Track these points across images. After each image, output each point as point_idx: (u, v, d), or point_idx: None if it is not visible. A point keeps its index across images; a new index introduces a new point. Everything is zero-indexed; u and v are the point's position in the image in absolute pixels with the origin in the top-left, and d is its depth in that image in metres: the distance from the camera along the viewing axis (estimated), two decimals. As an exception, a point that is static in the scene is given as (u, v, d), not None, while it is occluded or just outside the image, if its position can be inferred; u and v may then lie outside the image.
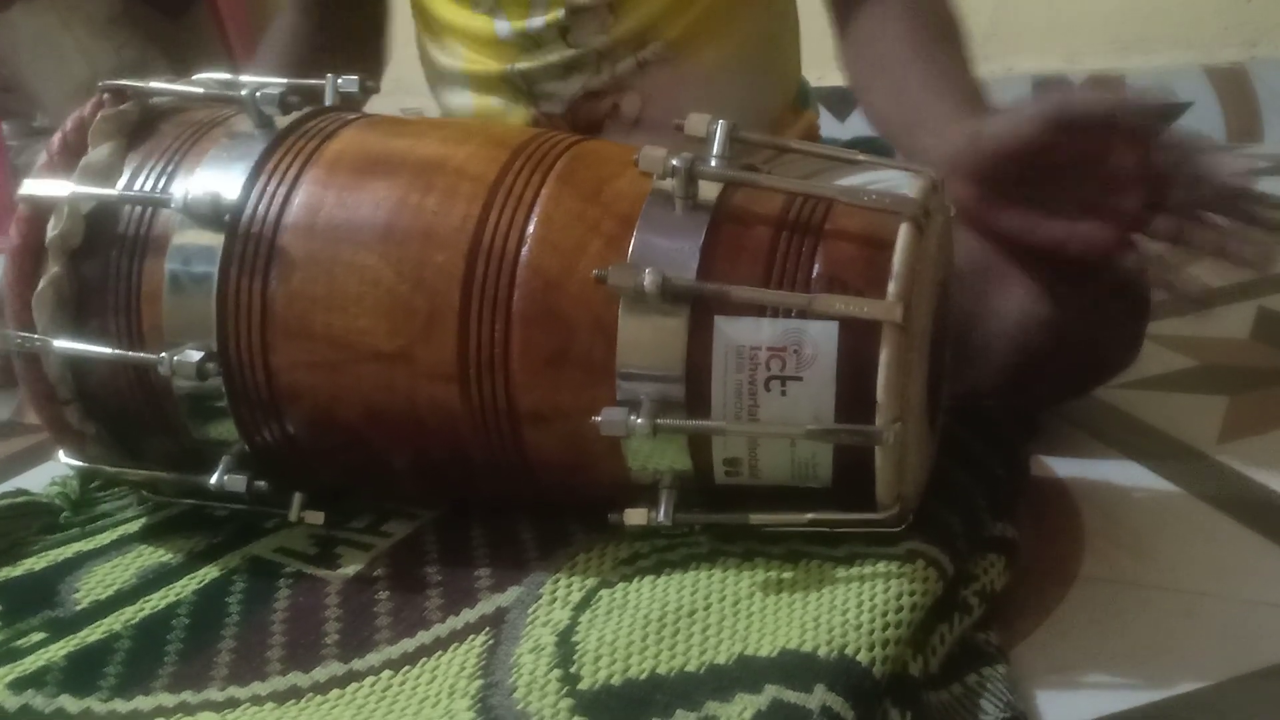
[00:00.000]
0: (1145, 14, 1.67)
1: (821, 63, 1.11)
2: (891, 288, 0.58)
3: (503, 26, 0.95)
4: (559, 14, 0.93)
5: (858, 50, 0.88)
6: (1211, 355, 0.96)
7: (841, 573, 0.61)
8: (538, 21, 0.93)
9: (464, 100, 1.01)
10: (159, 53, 2.26)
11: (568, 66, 0.95)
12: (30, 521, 0.77)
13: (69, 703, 0.60)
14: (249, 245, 0.65)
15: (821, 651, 0.55)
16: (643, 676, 0.56)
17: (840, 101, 1.71)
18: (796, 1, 1.05)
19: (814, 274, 0.61)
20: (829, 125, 1.17)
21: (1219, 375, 0.93)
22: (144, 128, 0.70)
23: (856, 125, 1.69)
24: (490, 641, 0.60)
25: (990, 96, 0.79)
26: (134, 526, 0.76)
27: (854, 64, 0.90)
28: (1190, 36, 1.66)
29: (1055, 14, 1.71)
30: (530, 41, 0.95)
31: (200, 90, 0.72)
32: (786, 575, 0.62)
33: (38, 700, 0.60)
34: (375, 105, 0.81)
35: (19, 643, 0.64)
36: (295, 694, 0.59)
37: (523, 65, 0.95)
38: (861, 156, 0.69)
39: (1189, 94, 1.65)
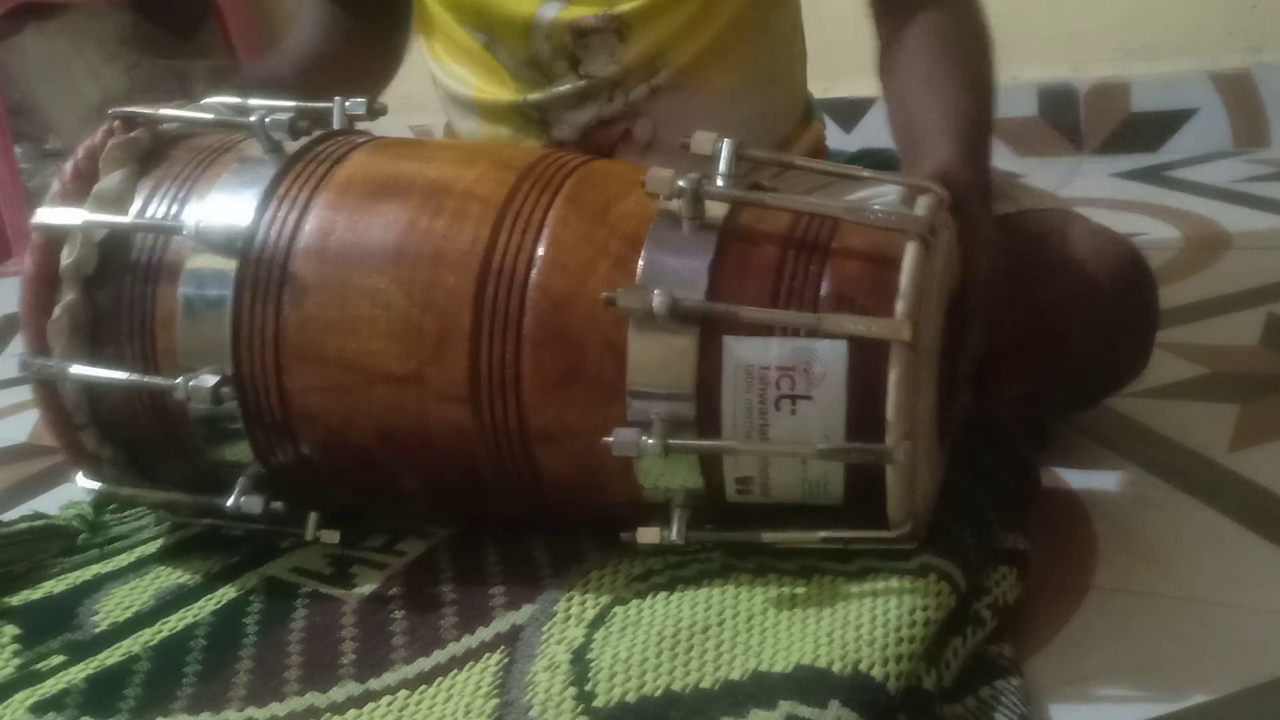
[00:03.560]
0: (1150, 21, 1.67)
1: (828, 75, 1.11)
2: (900, 306, 0.58)
3: (507, 59, 0.96)
4: (566, 38, 0.93)
5: (887, 71, 0.89)
6: (1221, 363, 0.96)
7: (854, 588, 0.62)
8: (542, 47, 0.93)
9: (473, 128, 1.01)
10: (169, 74, 2.28)
11: (580, 96, 0.95)
12: (48, 544, 0.77)
13: (89, 726, 0.60)
14: (262, 270, 0.65)
15: (836, 667, 0.55)
16: (658, 693, 0.56)
17: (847, 113, 1.71)
18: (802, 18, 1.06)
19: (822, 293, 0.61)
20: (836, 137, 1.17)
21: (1229, 383, 0.93)
22: (155, 154, 0.71)
23: (863, 137, 1.70)
24: (505, 660, 0.61)
25: (983, 125, 0.80)
26: (151, 548, 0.76)
27: (883, 83, 0.91)
28: (1195, 43, 1.65)
29: (1060, 22, 1.71)
30: (540, 72, 0.95)
31: (210, 116, 0.72)
32: (799, 591, 0.62)
33: (58, 723, 0.60)
34: (384, 123, 0.82)
35: (39, 665, 0.65)
36: (313, 714, 0.59)
37: (535, 96, 0.95)
38: (866, 172, 0.70)
39: (1195, 101, 1.65)
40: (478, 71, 0.98)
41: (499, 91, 0.96)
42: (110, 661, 0.65)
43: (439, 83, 1.04)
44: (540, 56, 0.94)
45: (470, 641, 0.63)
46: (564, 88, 0.94)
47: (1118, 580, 0.68)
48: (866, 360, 0.59)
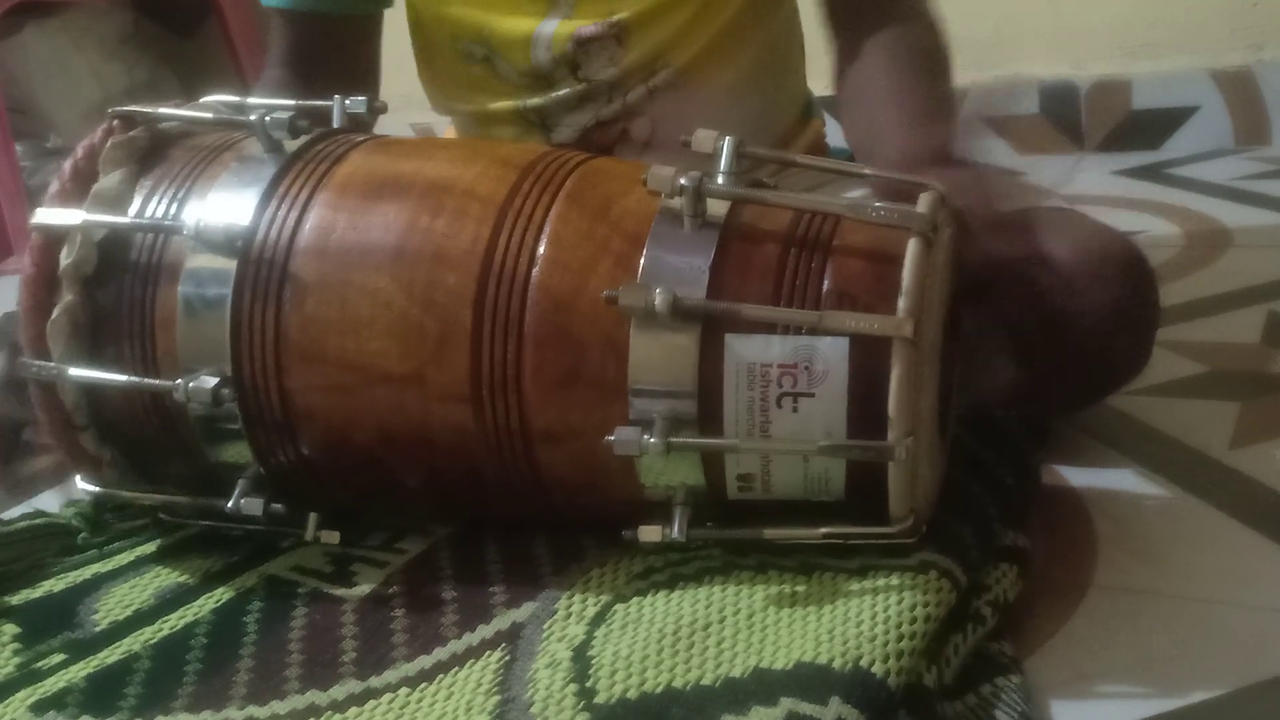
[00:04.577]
0: (1151, 19, 1.67)
1: (829, 74, 1.11)
2: (901, 303, 0.58)
3: (507, 70, 0.96)
4: (566, 48, 0.93)
5: (844, 82, 0.90)
6: (1222, 360, 0.96)
7: (855, 585, 0.62)
8: (543, 57, 0.94)
9: (475, 134, 1.02)
10: (170, 73, 2.28)
11: (579, 99, 0.95)
12: (49, 543, 0.77)
13: (90, 724, 0.60)
14: (262, 270, 0.65)
15: (836, 663, 0.56)
16: (658, 690, 0.56)
17: (848, 112, 1.71)
18: (800, 16, 1.06)
19: (824, 290, 0.61)
20: (837, 135, 1.17)
21: (1230, 381, 0.93)
22: (154, 153, 0.71)
23: (863, 134, 1.70)
24: (506, 657, 0.61)
25: (942, 114, 0.80)
26: (151, 547, 0.76)
27: (840, 96, 0.92)
28: (1196, 41, 1.65)
29: (1061, 20, 1.71)
30: (541, 80, 0.96)
31: (209, 115, 0.72)
32: (800, 588, 0.62)
33: (59, 722, 0.60)
34: (384, 121, 0.82)
35: (39, 664, 0.65)
36: (314, 712, 0.59)
37: (535, 101, 0.96)
38: (867, 170, 0.70)
39: (1196, 99, 1.65)
40: (479, 85, 0.98)
41: (500, 100, 0.97)
42: (111, 660, 0.65)
43: (438, 100, 1.04)
44: (541, 67, 0.95)
45: (471, 639, 0.63)
46: (563, 92, 0.95)
47: (1117, 578, 0.68)
48: (868, 357, 0.59)
